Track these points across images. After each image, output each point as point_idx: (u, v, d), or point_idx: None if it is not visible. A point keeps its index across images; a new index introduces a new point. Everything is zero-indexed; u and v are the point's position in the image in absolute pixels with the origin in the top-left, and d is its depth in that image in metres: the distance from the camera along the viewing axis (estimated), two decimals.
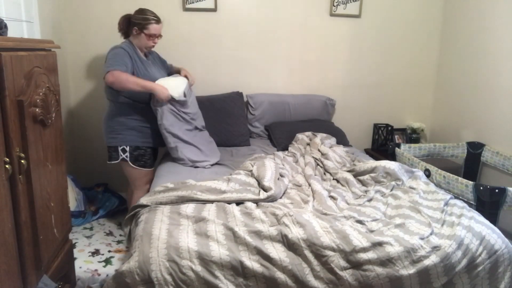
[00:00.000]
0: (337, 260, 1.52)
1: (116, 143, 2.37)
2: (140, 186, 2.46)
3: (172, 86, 2.37)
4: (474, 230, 1.68)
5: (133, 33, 2.37)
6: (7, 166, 1.16)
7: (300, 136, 2.87)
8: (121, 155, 2.38)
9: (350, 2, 3.24)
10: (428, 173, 2.43)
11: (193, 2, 3.02)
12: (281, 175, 2.23)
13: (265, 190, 2.00)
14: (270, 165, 2.19)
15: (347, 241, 1.56)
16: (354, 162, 2.59)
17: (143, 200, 1.91)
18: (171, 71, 2.73)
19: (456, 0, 3.27)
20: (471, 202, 2.15)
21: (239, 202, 1.92)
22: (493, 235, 1.68)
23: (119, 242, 2.47)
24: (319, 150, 2.67)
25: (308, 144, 2.79)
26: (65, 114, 2.91)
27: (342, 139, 3.00)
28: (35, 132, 1.35)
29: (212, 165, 2.49)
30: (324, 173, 2.42)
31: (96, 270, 2.17)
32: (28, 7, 2.31)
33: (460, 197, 2.21)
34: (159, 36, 2.42)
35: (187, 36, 3.08)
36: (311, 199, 2.01)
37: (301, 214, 1.73)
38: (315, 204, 1.96)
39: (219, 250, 1.51)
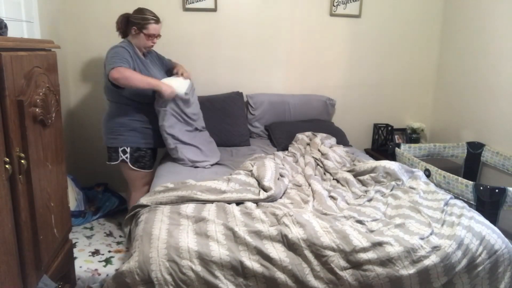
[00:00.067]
0: (337, 260, 1.52)
1: (117, 144, 2.36)
2: (138, 188, 2.46)
3: (175, 85, 2.38)
4: (474, 230, 1.68)
5: (132, 33, 2.36)
6: (7, 166, 1.16)
7: (300, 136, 2.87)
8: (121, 156, 2.37)
9: (350, 2, 3.24)
10: (428, 173, 2.43)
11: (193, 2, 3.02)
12: (281, 175, 2.23)
13: (265, 190, 2.00)
14: (270, 165, 2.19)
15: (347, 241, 1.56)
16: (354, 162, 2.59)
17: (143, 200, 1.91)
18: (169, 67, 2.70)
19: (456, 0, 3.27)
20: (471, 202, 2.15)
21: (239, 202, 1.92)
22: (493, 235, 1.68)
23: (119, 243, 2.47)
24: (319, 150, 2.66)
25: (308, 144, 2.78)
26: (65, 114, 2.91)
27: (342, 139, 3.00)
28: (35, 132, 1.35)
29: (212, 165, 2.49)
30: (324, 173, 2.42)
31: (96, 269, 2.17)
32: (28, 7, 2.31)
33: (460, 197, 2.21)
34: (158, 36, 2.41)
35: (187, 36, 3.08)
36: (311, 199, 2.01)
37: (301, 214, 1.73)
38: (315, 204, 1.96)
39: (219, 250, 1.51)
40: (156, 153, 2.64)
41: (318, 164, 2.51)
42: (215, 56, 3.16)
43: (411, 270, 1.53)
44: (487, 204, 2.08)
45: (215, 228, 1.63)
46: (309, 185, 2.18)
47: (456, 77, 3.29)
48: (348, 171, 2.37)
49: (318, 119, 3.26)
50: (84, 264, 2.20)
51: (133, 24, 2.33)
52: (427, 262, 1.54)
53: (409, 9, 3.36)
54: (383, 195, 2.08)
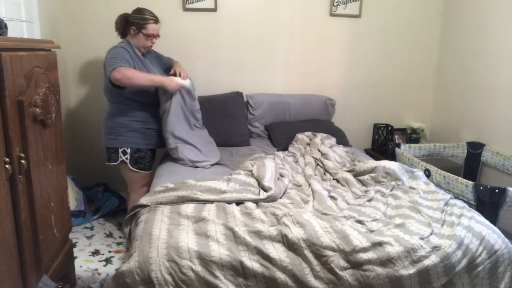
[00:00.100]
0: (337, 260, 1.52)
1: (117, 145, 2.35)
2: (136, 189, 2.46)
3: (177, 79, 2.40)
4: (474, 230, 1.68)
5: (131, 33, 2.34)
6: (7, 166, 1.16)
7: (300, 136, 2.87)
8: (121, 157, 2.36)
9: (350, 2, 3.24)
10: (428, 173, 2.43)
11: (193, 2, 3.02)
12: (281, 175, 2.23)
13: (265, 190, 2.00)
14: (270, 165, 2.19)
15: (347, 241, 1.56)
16: (354, 162, 2.59)
17: (143, 200, 1.91)
18: (168, 66, 2.69)
19: (456, 0, 3.27)
20: (471, 202, 2.15)
21: (239, 202, 1.92)
22: (493, 235, 1.68)
23: (118, 243, 2.47)
24: (319, 150, 2.67)
25: (308, 144, 2.78)
26: (65, 114, 2.91)
27: (342, 139, 3.00)
28: (35, 132, 1.35)
29: (212, 165, 2.49)
30: (324, 173, 2.42)
31: (96, 269, 2.17)
32: (28, 7, 2.31)
33: (460, 197, 2.21)
34: (157, 36, 2.40)
35: (187, 36, 3.08)
36: (311, 199, 2.01)
37: (301, 214, 1.73)
38: (315, 204, 1.96)
39: (219, 250, 1.51)
40: (155, 154, 2.64)
41: (318, 164, 2.51)
42: (215, 56, 3.16)
43: (411, 270, 1.53)
44: (487, 204, 2.08)
45: (215, 228, 1.63)
46: (309, 185, 2.18)
47: (456, 77, 3.29)
48: (348, 171, 2.37)
49: (318, 119, 3.26)
50: (84, 263, 2.20)
51: (132, 24, 2.32)
52: (427, 262, 1.54)
53: (409, 9, 3.36)
54: (383, 195, 2.08)
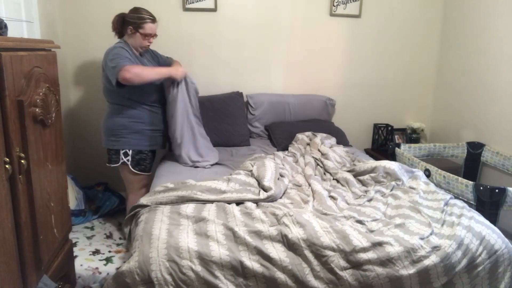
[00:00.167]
0: (337, 260, 1.52)
1: (119, 146, 2.34)
2: (135, 190, 2.45)
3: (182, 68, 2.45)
4: (474, 230, 1.68)
5: (128, 33, 2.32)
6: (7, 166, 1.16)
7: (300, 136, 2.87)
8: (122, 159, 2.35)
9: (350, 2, 3.24)
10: (428, 173, 2.43)
11: (193, 2, 3.02)
12: (281, 175, 2.23)
13: (265, 190, 2.00)
14: (270, 165, 2.19)
15: (347, 241, 1.56)
16: (354, 162, 2.59)
17: (143, 200, 1.91)
18: (166, 66, 2.69)
19: (456, 0, 3.27)
20: (471, 202, 2.15)
21: (239, 202, 1.92)
22: (493, 235, 1.68)
23: (118, 244, 2.47)
24: (319, 150, 2.67)
25: (308, 144, 2.78)
26: (65, 114, 2.91)
27: (342, 139, 3.00)
28: (35, 132, 1.35)
29: (212, 165, 2.49)
30: (324, 173, 2.42)
31: (97, 268, 2.17)
32: (28, 7, 2.31)
33: (460, 197, 2.21)
34: (155, 35, 2.38)
35: (187, 36, 3.08)
36: (311, 199, 2.01)
37: (301, 214, 1.73)
38: (315, 204, 1.96)
39: (219, 250, 1.51)
40: (155, 156, 2.64)
41: (318, 164, 2.51)
42: (215, 56, 3.16)
43: (411, 270, 1.53)
44: (487, 204, 2.08)
45: (215, 228, 1.63)
46: (309, 185, 2.18)
47: (456, 77, 3.29)
48: (348, 171, 2.37)
49: (318, 119, 3.26)
50: (85, 262, 2.20)
51: (129, 23, 2.30)
52: (427, 262, 1.54)
53: (409, 9, 3.36)
54: (383, 195, 2.08)
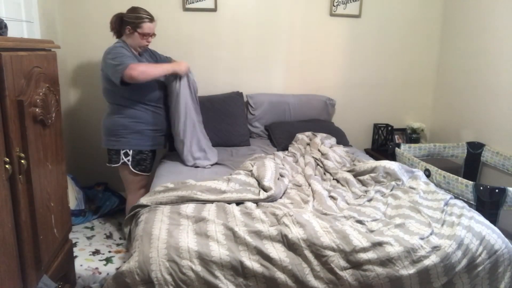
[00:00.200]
0: (337, 260, 1.52)
1: (119, 146, 2.34)
2: (134, 190, 2.45)
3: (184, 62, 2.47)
4: (474, 230, 1.68)
5: (126, 33, 2.31)
6: (7, 166, 1.16)
7: (300, 136, 2.87)
8: (123, 159, 2.34)
9: (350, 2, 3.24)
10: (428, 173, 2.43)
11: (193, 2, 3.02)
12: (281, 175, 2.23)
13: (265, 190, 2.00)
14: (270, 165, 2.19)
15: (347, 241, 1.56)
16: (354, 162, 2.59)
17: (143, 200, 1.91)
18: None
19: (456, 0, 3.27)
20: (471, 202, 2.15)
21: (239, 202, 1.92)
22: (493, 235, 1.68)
23: (118, 245, 2.47)
24: (319, 150, 2.67)
25: (308, 144, 2.79)
26: (65, 114, 2.91)
27: (342, 139, 3.00)
28: (35, 132, 1.35)
29: (212, 165, 2.49)
30: (324, 173, 2.42)
31: (97, 268, 2.17)
32: (28, 7, 2.31)
33: (460, 197, 2.21)
34: (153, 34, 2.37)
35: (187, 36, 3.08)
36: (311, 199, 2.01)
37: (301, 214, 1.73)
38: (315, 204, 1.96)
39: (219, 250, 1.51)
40: (155, 156, 2.64)
41: (318, 164, 2.51)
42: (215, 56, 3.16)
43: (411, 270, 1.53)
44: (487, 204, 2.08)
45: (215, 228, 1.63)
46: (309, 185, 2.18)
47: (456, 77, 3.29)
48: (348, 171, 2.37)
49: (318, 119, 3.26)
50: (85, 262, 2.20)
51: (127, 23, 2.29)
52: (427, 262, 1.54)
53: (409, 9, 3.36)
54: (383, 195, 2.08)
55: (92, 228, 2.66)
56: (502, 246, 1.65)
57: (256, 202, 1.94)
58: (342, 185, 2.25)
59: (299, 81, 3.35)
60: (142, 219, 1.76)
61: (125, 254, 2.32)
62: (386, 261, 1.53)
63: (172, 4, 3.01)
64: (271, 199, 1.96)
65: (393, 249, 1.55)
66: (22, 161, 1.24)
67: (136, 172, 2.38)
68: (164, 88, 2.49)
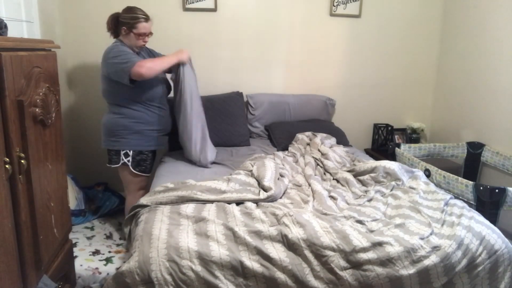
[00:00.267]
0: (337, 260, 1.52)
1: (119, 147, 2.33)
2: (134, 191, 2.44)
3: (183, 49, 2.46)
4: (474, 230, 1.68)
5: (122, 33, 2.30)
6: (7, 166, 1.16)
7: (300, 136, 2.87)
8: (123, 159, 2.34)
9: (350, 2, 3.24)
10: (428, 173, 2.43)
11: (193, 2, 3.02)
12: (281, 175, 2.23)
13: (265, 190, 2.00)
14: (270, 165, 2.19)
15: (347, 241, 1.56)
16: (354, 162, 2.59)
17: (143, 200, 1.91)
18: None
19: (456, 0, 3.27)
20: (471, 202, 2.15)
21: (239, 202, 1.92)
22: (493, 235, 1.68)
23: (118, 245, 2.47)
24: (319, 150, 2.67)
25: (308, 144, 2.79)
26: (65, 114, 2.91)
27: (342, 139, 3.00)
28: (35, 132, 1.35)
29: (212, 163, 2.50)
30: (324, 173, 2.42)
31: (97, 268, 2.16)
32: (28, 7, 2.31)
33: (460, 197, 2.21)
34: (150, 34, 2.35)
35: (187, 36, 3.08)
36: (311, 199, 2.01)
37: (301, 214, 1.73)
38: (315, 204, 1.96)
39: (219, 250, 1.51)
40: (155, 157, 2.63)
41: (318, 164, 2.51)
42: (215, 56, 3.16)
43: (411, 270, 1.53)
44: (487, 204, 2.08)
45: (215, 228, 1.63)
46: (309, 185, 2.18)
47: (456, 77, 3.29)
48: (348, 171, 2.37)
49: (318, 119, 3.26)
50: (85, 262, 2.20)
51: (122, 24, 2.27)
52: (427, 262, 1.54)
53: (409, 9, 3.36)
54: (383, 195, 2.08)
55: (92, 228, 2.66)
56: (502, 246, 1.65)
57: (256, 202, 1.94)
58: (342, 185, 2.25)
59: (299, 81, 3.35)
60: (142, 219, 1.76)
61: (125, 254, 2.32)
62: (386, 261, 1.53)
63: (172, 4, 3.01)
64: (271, 199, 1.96)
65: (393, 249, 1.55)
66: (22, 161, 1.24)
67: (136, 172, 2.38)
68: (164, 87, 2.49)
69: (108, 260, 2.26)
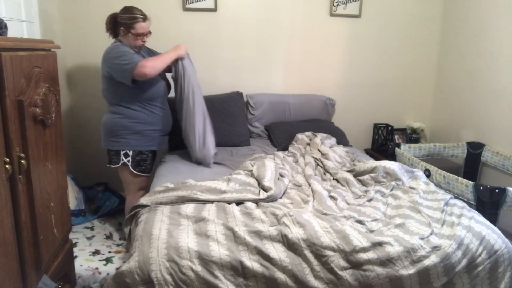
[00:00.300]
0: (337, 260, 1.52)
1: (119, 147, 2.33)
2: (134, 192, 2.44)
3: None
4: (474, 230, 1.68)
5: (121, 34, 2.30)
6: (7, 166, 1.16)
7: (300, 136, 2.87)
8: (123, 160, 2.34)
9: (350, 2, 3.24)
10: (428, 173, 2.43)
11: (193, 2, 3.02)
12: (281, 175, 2.23)
13: (265, 190, 2.00)
14: (270, 165, 2.19)
15: (347, 241, 1.56)
16: (354, 162, 2.59)
17: (143, 200, 1.91)
18: None
19: (456, 0, 3.27)
20: (471, 202, 2.15)
21: (239, 202, 1.92)
22: (493, 235, 1.68)
23: (118, 245, 2.47)
24: (319, 150, 2.67)
25: (308, 144, 2.79)
26: (65, 114, 2.91)
27: (342, 139, 3.00)
28: (35, 132, 1.35)
29: (212, 164, 2.50)
30: (324, 173, 2.42)
31: (97, 268, 2.16)
32: (28, 7, 2.31)
33: (460, 197, 2.21)
34: (148, 33, 2.35)
35: (187, 36, 3.07)
36: (311, 199, 2.01)
37: (301, 214, 1.73)
38: (315, 204, 1.96)
39: (219, 250, 1.51)
40: (155, 157, 2.63)
41: (318, 164, 2.51)
42: (215, 56, 3.16)
43: (411, 270, 1.53)
44: (487, 204, 2.08)
45: (215, 228, 1.63)
46: (309, 185, 2.18)
47: (456, 77, 3.29)
48: (348, 171, 2.37)
49: (318, 119, 3.26)
50: (85, 262, 2.20)
51: (120, 24, 2.27)
52: (427, 262, 1.54)
53: (409, 9, 3.36)
54: (383, 195, 2.08)
55: (92, 228, 2.66)
56: (502, 246, 1.65)
57: (256, 202, 1.94)
58: (342, 185, 2.25)
59: (299, 81, 3.35)
60: (142, 219, 1.76)
61: (125, 254, 2.32)
62: (386, 261, 1.53)
63: (172, 4, 3.01)
64: (271, 199, 1.96)
65: (393, 249, 1.55)
66: (22, 161, 1.24)
67: (136, 173, 2.38)
68: (165, 86, 2.49)
69: (108, 260, 2.26)
